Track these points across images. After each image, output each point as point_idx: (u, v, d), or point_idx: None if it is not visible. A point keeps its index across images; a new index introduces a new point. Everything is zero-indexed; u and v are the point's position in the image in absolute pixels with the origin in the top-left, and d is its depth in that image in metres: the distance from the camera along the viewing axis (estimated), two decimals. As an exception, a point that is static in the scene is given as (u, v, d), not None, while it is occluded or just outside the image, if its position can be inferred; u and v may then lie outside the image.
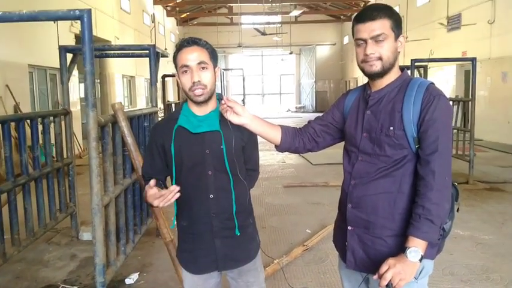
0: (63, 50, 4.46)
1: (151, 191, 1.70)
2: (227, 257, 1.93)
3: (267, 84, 31.04)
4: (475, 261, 3.96)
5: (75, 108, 10.84)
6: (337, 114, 1.89)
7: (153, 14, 19.78)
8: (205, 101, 1.83)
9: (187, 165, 1.87)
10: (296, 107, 28.91)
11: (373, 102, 1.74)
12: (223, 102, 1.74)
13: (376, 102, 1.73)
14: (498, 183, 6.99)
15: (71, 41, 10.90)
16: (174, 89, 21.32)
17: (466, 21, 12.21)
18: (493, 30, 11.23)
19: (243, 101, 20.50)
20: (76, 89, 11.55)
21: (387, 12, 1.66)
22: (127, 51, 5.03)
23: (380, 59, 1.66)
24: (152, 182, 1.69)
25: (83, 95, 13.18)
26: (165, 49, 21.26)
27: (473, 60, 6.54)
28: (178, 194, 1.69)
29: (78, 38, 11.96)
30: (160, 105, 12.82)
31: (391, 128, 1.66)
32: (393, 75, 1.72)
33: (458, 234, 4.60)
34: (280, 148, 1.91)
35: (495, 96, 11.31)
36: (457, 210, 1.81)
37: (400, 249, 1.62)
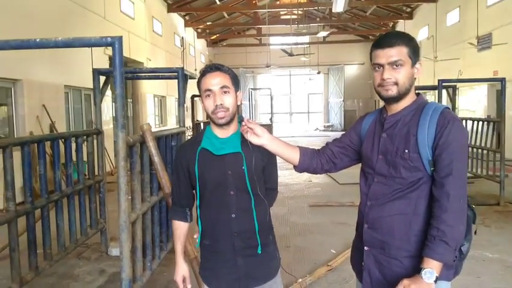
0: (96, 72, 4.68)
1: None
2: (249, 275, 1.99)
3: (295, 103, 31.14)
4: (503, 285, 3.87)
5: (108, 126, 11.20)
6: (355, 137, 1.95)
7: (183, 37, 20.33)
8: (227, 124, 1.93)
9: (210, 186, 1.96)
10: (324, 126, 28.82)
11: (389, 125, 1.79)
12: (244, 123, 1.84)
13: (392, 126, 1.78)
14: (531, 206, 6.79)
15: (105, 63, 11.35)
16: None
17: (497, 41, 12.02)
18: (525, 49, 11.03)
19: (271, 119, 20.65)
20: (109, 109, 11.94)
21: (405, 39, 1.73)
22: (157, 74, 5.21)
23: (396, 84, 1.72)
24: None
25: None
26: (195, 70, 21.74)
27: (502, 80, 6.45)
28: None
29: (111, 60, 12.43)
30: (189, 123, 13.09)
31: (406, 151, 1.70)
32: (409, 99, 1.78)
33: (486, 257, 4.49)
34: (298, 168, 1.98)
35: (528, 116, 11.05)
36: (475, 232, 1.82)
37: (415, 271, 1.65)
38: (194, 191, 2.02)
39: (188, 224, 2.12)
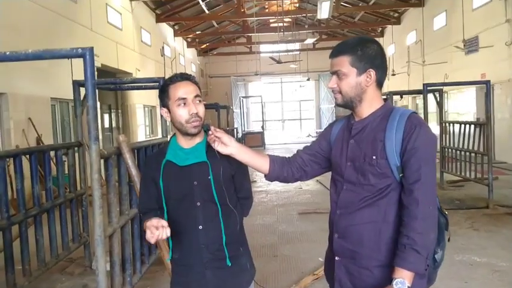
0: (76, 84, 4.63)
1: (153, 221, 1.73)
2: None
3: (286, 110, 31.17)
4: (491, 290, 3.82)
5: (96, 138, 11.10)
6: (324, 144, 1.91)
7: (163, 47, 20.29)
8: (196, 133, 1.89)
9: (176, 197, 1.91)
10: (317, 132, 28.83)
11: (356, 131, 1.76)
12: (210, 132, 1.80)
13: (360, 132, 1.75)
14: (520, 208, 6.77)
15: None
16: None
17: (484, 44, 12.10)
18: (511, 51, 11.09)
19: (263, 127, 20.64)
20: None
21: (348, 48, 1.70)
22: (139, 84, 5.17)
23: (340, 93, 1.72)
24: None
25: (106, 126, 13.56)
26: (185, 79, 21.71)
27: (487, 83, 6.46)
28: (168, 230, 1.72)
29: (100, 71, 12.39)
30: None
31: (374, 157, 1.67)
32: (375, 105, 1.74)
33: (474, 261, 4.45)
34: (268, 177, 1.93)
35: (517, 118, 11.10)
36: (448, 239, 1.77)
37: (387, 281, 1.60)
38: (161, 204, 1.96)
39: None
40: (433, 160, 1.66)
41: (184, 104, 1.85)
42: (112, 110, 15.42)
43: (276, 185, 9.39)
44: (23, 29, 8.43)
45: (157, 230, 1.70)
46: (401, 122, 1.65)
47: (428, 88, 6.91)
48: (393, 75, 18.06)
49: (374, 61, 1.70)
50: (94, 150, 2.65)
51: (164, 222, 1.73)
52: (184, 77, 1.90)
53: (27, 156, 3.84)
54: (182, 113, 1.85)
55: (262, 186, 9.68)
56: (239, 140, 19.68)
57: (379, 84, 1.75)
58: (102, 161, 3.33)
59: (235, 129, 19.11)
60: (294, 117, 31.14)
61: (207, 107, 15.87)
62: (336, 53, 1.73)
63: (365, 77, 1.70)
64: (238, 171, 2.00)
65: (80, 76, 6.12)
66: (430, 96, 7.99)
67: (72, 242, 4.53)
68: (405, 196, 1.62)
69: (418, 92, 8.44)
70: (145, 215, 1.98)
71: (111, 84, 4.94)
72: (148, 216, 1.91)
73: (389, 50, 21.38)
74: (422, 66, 16.51)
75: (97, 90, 4.98)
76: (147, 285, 4.12)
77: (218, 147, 1.79)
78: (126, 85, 5.42)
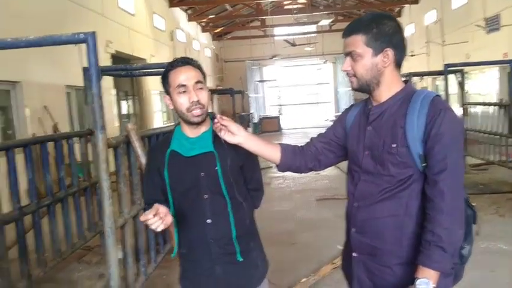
0: (86, 71, 4.54)
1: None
2: (229, 284, 1.84)
3: (303, 94, 30.85)
4: (519, 279, 3.66)
5: (113, 125, 11.13)
6: (340, 131, 1.77)
7: (172, 31, 20.14)
8: (200, 122, 1.77)
9: (182, 189, 1.81)
10: (335, 116, 28.50)
11: (374, 117, 1.62)
12: (216, 121, 1.68)
13: (378, 117, 1.61)
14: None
15: (107, 61, 11.26)
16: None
17: (506, 22, 11.63)
18: (535, 29, 10.66)
19: (279, 111, 20.44)
20: (112, 107, 11.91)
21: (361, 27, 1.54)
22: (150, 70, 5.07)
23: (355, 76, 1.57)
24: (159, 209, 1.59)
25: (123, 112, 13.52)
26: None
27: (510, 62, 6.17)
28: (169, 218, 1.61)
29: (114, 58, 12.34)
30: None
31: (394, 145, 1.53)
32: (394, 88, 1.59)
33: (500, 249, 4.29)
34: (279, 167, 1.81)
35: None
36: (477, 233, 1.64)
37: (409, 280, 1.48)
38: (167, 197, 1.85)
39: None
40: (460, 147, 1.51)
41: (185, 91, 1.72)
42: (128, 97, 15.46)
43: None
44: (30, 17, 8.33)
45: (154, 217, 1.55)
46: (424, 106, 1.50)
47: (449, 69, 6.65)
48: (412, 56, 17.60)
49: (391, 39, 1.55)
50: (100, 140, 2.57)
51: (163, 209, 1.59)
52: (185, 61, 1.77)
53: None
54: (182, 101, 1.73)
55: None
56: (255, 125, 19.61)
57: (398, 64, 1.60)
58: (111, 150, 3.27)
59: (250, 115, 18.94)
60: (311, 101, 30.80)
61: (222, 92, 15.87)
62: (348, 31, 1.57)
63: (382, 57, 1.55)
64: (247, 162, 1.88)
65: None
66: (451, 77, 7.73)
67: (88, 230, 4.51)
68: (429, 188, 1.48)
69: (438, 73, 8.16)
70: (150, 206, 1.88)
71: (121, 71, 4.83)
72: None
73: (408, 31, 20.82)
74: (442, 46, 16.03)
75: (111, 77, 4.92)
76: (163, 274, 4.08)
77: (225, 136, 1.67)
78: (137, 71, 5.31)
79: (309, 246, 4.76)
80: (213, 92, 13.76)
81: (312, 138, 1.85)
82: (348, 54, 1.58)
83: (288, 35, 24.03)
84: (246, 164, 1.88)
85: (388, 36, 1.54)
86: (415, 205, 1.53)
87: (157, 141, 2.14)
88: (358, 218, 1.63)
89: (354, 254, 1.64)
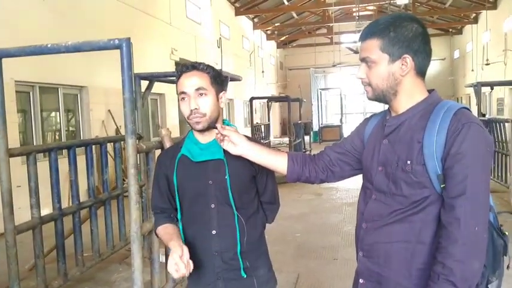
0: (137, 77, 4.67)
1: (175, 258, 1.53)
2: None
3: (369, 102, 29.97)
4: None
5: (176, 131, 11.40)
6: (357, 142, 1.61)
7: (219, 39, 20.33)
8: (207, 129, 1.70)
9: (190, 195, 1.73)
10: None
11: (390, 129, 1.45)
12: (217, 131, 1.60)
13: (395, 130, 1.44)
14: None
15: (171, 68, 11.64)
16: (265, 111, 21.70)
17: None
18: None
19: (341, 120, 20.01)
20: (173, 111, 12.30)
21: (377, 30, 1.39)
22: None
23: (370, 85, 1.42)
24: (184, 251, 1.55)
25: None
26: (262, 72, 21.71)
27: None
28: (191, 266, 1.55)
29: (179, 65, 12.72)
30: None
31: (409, 162, 1.35)
32: (416, 97, 1.42)
33: None
34: (288, 178, 1.68)
35: None
36: (507, 267, 1.41)
37: (417, 315, 1.29)
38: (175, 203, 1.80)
39: (176, 224, 1.79)
40: (485, 169, 1.30)
41: (185, 98, 1.66)
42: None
43: (349, 182, 8.93)
44: (106, 25, 8.84)
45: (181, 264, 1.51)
46: (446, 119, 1.31)
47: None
48: (487, 64, 16.50)
49: (411, 44, 1.37)
50: (130, 145, 2.58)
51: (187, 255, 1.54)
52: (191, 66, 1.70)
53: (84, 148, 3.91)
54: (183, 108, 1.67)
55: (332, 182, 9.33)
56: (315, 134, 19.29)
57: (420, 72, 1.43)
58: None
59: (306, 123, 18.64)
60: (376, 110, 29.83)
61: (279, 99, 15.71)
62: (364, 35, 1.42)
63: (399, 64, 1.38)
64: (261, 172, 1.78)
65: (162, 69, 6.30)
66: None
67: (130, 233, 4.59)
68: (445, 213, 1.29)
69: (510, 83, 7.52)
70: (159, 218, 1.82)
71: (170, 77, 4.91)
72: (163, 222, 1.78)
73: (484, 38, 19.58)
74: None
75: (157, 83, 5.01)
76: (195, 281, 4.05)
77: (227, 146, 1.58)
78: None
79: (351, 263, 4.51)
80: (269, 99, 13.73)
81: (325, 148, 1.71)
82: (363, 60, 1.44)
83: (355, 42, 23.48)
84: (259, 175, 1.78)
85: (408, 41, 1.37)
86: (429, 231, 1.34)
87: (169, 147, 2.10)
88: (365, 241, 1.46)
89: (361, 281, 1.48)
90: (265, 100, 14.52)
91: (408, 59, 1.38)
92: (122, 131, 9.17)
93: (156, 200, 1.87)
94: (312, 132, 18.24)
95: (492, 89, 12.46)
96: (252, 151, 1.59)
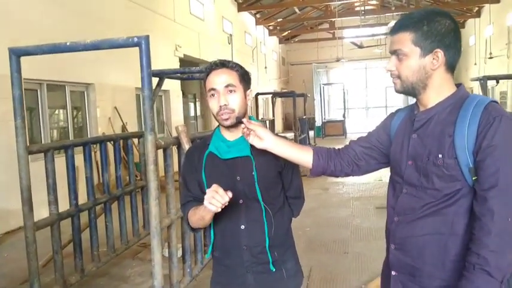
0: (148, 74, 4.68)
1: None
2: None
3: (371, 97, 29.98)
4: None
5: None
6: (383, 136, 1.64)
7: (230, 36, 20.31)
8: (235, 125, 1.72)
9: None
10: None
11: (419, 124, 1.47)
12: (243, 126, 1.62)
13: (424, 124, 1.46)
14: None
15: (176, 65, 11.65)
16: (267, 106, 21.67)
17: None
18: None
19: (344, 115, 20.03)
20: (179, 109, 12.33)
21: (411, 23, 1.41)
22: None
23: (399, 77, 1.42)
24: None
25: (191, 114, 14.07)
26: (265, 68, 21.69)
27: None
28: (227, 198, 1.53)
29: (182, 62, 12.72)
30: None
31: (440, 156, 1.38)
32: (445, 92, 1.44)
33: None
34: (312, 172, 1.71)
35: None
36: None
37: (451, 305, 1.32)
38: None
39: None
40: (517, 161, 1.33)
41: (214, 95, 1.69)
42: (197, 99, 15.94)
43: (353, 176, 9.00)
44: (114, 22, 8.88)
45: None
46: (477, 113, 1.34)
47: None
48: (490, 58, 16.48)
49: (444, 39, 1.40)
50: (149, 141, 2.62)
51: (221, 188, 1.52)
52: (221, 63, 1.72)
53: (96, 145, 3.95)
54: (212, 105, 1.70)
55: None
56: (318, 129, 19.33)
57: (450, 67, 1.45)
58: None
59: (309, 118, 18.65)
60: (379, 105, 29.85)
61: (283, 95, 15.72)
62: (396, 28, 1.44)
63: (431, 58, 1.40)
64: (286, 168, 1.81)
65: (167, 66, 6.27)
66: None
67: (143, 228, 4.63)
68: (478, 205, 1.32)
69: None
70: (187, 206, 1.83)
71: (183, 74, 4.92)
72: (191, 206, 1.77)
73: (487, 32, 19.54)
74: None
75: (178, 81, 5.05)
76: (210, 275, 4.08)
77: (253, 141, 1.61)
78: (198, 74, 5.39)
79: (362, 257, 4.55)
80: (274, 95, 13.74)
81: (350, 142, 1.73)
82: (394, 52, 1.46)
83: (358, 37, 23.47)
84: (285, 170, 1.81)
85: (440, 36, 1.40)
86: (462, 223, 1.36)
87: (196, 143, 2.12)
88: (397, 234, 1.49)
89: (393, 273, 1.51)
90: (268, 96, 14.53)
91: (440, 53, 1.40)
92: (128, 128, 9.21)
93: (186, 195, 1.89)
94: (315, 127, 18.27)
95: (498, 82, 12.46)
96: (277, 145, 1.62)
